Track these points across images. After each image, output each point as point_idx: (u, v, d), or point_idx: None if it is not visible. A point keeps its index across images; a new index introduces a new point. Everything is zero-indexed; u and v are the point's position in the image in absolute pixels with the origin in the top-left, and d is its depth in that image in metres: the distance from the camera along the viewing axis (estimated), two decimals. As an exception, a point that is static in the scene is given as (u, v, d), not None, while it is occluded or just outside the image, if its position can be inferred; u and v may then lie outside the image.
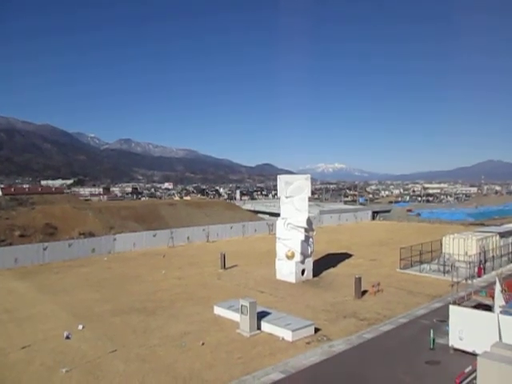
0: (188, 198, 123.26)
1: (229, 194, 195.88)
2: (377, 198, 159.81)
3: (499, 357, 11.57)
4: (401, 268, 31.29)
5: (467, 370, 12.68)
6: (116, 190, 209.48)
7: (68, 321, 20.37)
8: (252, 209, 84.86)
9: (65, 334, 18.12)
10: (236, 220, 59.94)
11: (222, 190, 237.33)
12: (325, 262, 34.32)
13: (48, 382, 14.15)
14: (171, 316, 21.02)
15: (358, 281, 24.33)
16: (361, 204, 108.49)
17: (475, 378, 11.75)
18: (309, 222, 29.62)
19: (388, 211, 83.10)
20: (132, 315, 21.26)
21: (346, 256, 37.72)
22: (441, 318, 19.25)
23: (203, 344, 17.15)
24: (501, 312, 15.16)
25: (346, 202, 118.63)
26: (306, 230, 29.32)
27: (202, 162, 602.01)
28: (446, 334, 16.54)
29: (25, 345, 17.35)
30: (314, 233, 31.18)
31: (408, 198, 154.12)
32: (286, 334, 17.62)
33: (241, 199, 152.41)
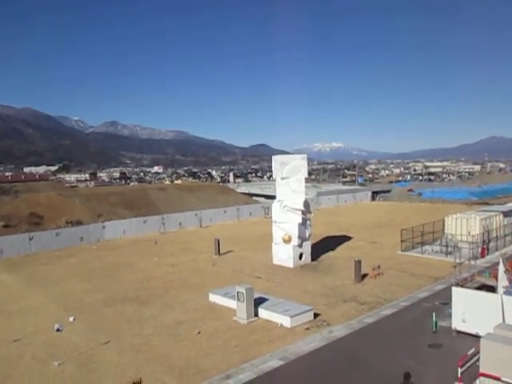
0: (179, 181, 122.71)
1: (222, 177, 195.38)
2: (376, 178, 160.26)
3: (502, 338, 11.75)
4: (402, 250, 31.63)
5: (470, 352, 12.92)
6: (103, 175, 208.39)
7: (58, 313, 20.47)
8: (246, 192, 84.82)
9: (55, 327, 18.23)
10: (230, 204, 60.00)
11: (214, 173, 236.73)
12: (323, 246, 34.59)
13: (40, 376, 14.30)
14: (165, 304, 21.19)
15: (358, 264, 24.57)
16: (360, 184, 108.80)
17: (478, 360, 11.99)
18: (306, 203, 29.71)
19: (388, 191, 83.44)
20: (125, 305, 21.39)
21: (345, 238, 38.02)
22: (443, 301, 19.57)
23: (199, 333, 17.34)
24: (504, 293, 15.38)
25: (344, 183, 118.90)
26: (304, 213, 29.42)
27: (193, 144, 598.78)
28: (449, 316, 16.82)
29: (15, 338, 17.47)
30: (312, 215, 31.28)
31: (409, 177, 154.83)
32: (285, 320, 17.85)
33: (234, 182, 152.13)
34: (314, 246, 31.47)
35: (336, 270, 27.32)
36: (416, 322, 17.78)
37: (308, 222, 30.01)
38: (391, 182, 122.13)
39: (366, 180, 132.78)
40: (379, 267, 25.71)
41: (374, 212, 59.76)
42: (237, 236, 41.89)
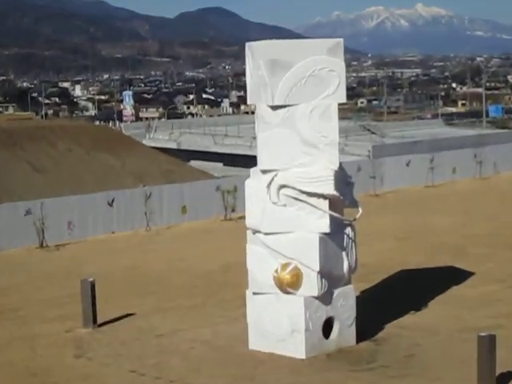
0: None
1: (103, 103, 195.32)
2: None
3: None
4: None
5: None
6: None
7: None
8: (174, 146, 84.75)
9: None
10: (125, 181, 60.06)
11: (79, 92, 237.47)
12: (390, 296, 35.17)
13: None
14: None
15: (489, 347, 24.85)
16: (492, 124, 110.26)
17: None
18: (341, 180, 29.73)
19: None
20: None
21: (451, 275, 38.79)
22: None
23: None
24: None
25: (450, 117, 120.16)
26: (335, 205, 29.42)
27: (17, 12, 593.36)
28: None
29: None
30: (360, 213, 31.19)
31: None
32: None
33: (138, 118, 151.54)
34: (364, 299, 32.05)
35: (427, 365, 27.69)
36: None
37: (349, 230, 30.08)
38: None
39: (507, 113, 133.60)
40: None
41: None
42: (147, 272, 42.46)
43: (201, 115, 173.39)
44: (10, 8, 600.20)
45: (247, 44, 31.11)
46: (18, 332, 32.56)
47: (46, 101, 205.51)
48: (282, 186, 29.44)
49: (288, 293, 29.20)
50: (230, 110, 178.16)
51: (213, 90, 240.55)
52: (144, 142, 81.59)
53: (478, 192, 65.98)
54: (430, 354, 28.57)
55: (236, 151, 74.25)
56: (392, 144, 78.34)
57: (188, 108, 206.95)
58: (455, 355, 27.52)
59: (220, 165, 75.21)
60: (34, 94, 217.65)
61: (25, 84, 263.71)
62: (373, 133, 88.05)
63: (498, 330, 26.26)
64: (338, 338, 29.55)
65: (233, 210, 55.01)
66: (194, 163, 75.44)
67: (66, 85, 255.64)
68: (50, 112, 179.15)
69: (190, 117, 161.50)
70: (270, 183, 29.65)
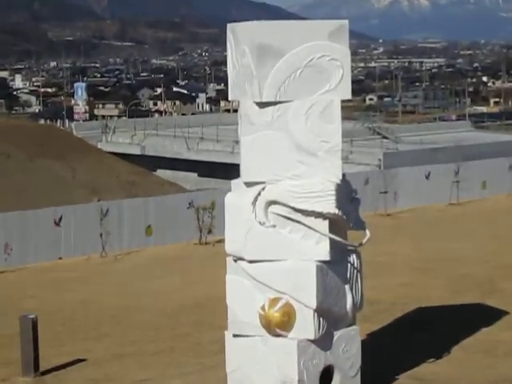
0: None
1: (49, 98, 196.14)
2: None
3: None
4: None
5: None
6: None
7: None
8: (137, 152, 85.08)
9: None
10: (76, 194, 60.31)
11: (20, 83, 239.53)
12: (404, 341, 34.81)
13: None
14: None
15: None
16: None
17: None
18: (344, 196, 29.73)
19: None
20: None
21: (479, 314, 38.58)
22: None
23: None
24: None
25: (478, 120, 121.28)
26: (336, 226, 29.40)
27: None
28: None
29: None
30: (367, 237, 31.08)
31: None
32: None
33: (92, 116, 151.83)
34: (371, 343, 31.76)
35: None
36: None
37: (354, 258, 30.05)
38: None
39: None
40: None
41: None
42: (101, 309, 42.32)
43: (171, 113, 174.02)
44: None
45: (229, 25, 30.66)
46: None
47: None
48: (272, 203, 29.17)
49: (277, 335, 28.92)
50: (206, 107, 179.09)
51: (186, 82, 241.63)
52: (100, 145, 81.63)
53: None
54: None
55: (214, 158, 74.17)
56: (408, 151, 78.43)
57: (155, 104, 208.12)
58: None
59: (194, 175, 75.30)
60: None
61: None
62: (384, 137, 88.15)
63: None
64: (341, 390, 29.50)
65: (209, 232, 54.73)
66: (161, 173, 75.58)
67: (3, 74, 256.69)
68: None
69: (157, 115, 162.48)
70: (255, 199, 29.56)
